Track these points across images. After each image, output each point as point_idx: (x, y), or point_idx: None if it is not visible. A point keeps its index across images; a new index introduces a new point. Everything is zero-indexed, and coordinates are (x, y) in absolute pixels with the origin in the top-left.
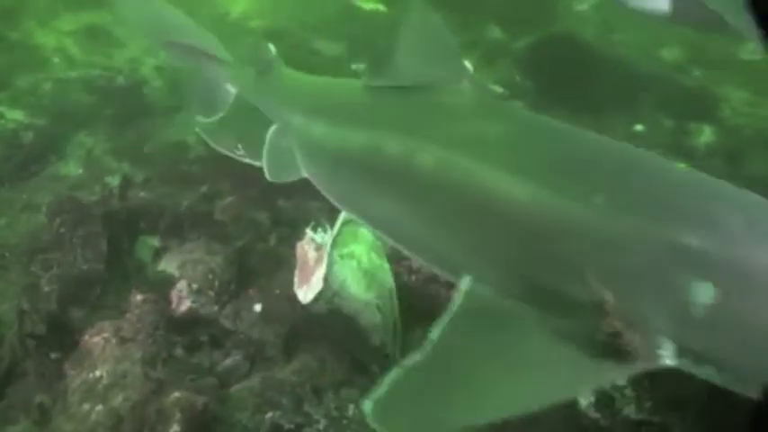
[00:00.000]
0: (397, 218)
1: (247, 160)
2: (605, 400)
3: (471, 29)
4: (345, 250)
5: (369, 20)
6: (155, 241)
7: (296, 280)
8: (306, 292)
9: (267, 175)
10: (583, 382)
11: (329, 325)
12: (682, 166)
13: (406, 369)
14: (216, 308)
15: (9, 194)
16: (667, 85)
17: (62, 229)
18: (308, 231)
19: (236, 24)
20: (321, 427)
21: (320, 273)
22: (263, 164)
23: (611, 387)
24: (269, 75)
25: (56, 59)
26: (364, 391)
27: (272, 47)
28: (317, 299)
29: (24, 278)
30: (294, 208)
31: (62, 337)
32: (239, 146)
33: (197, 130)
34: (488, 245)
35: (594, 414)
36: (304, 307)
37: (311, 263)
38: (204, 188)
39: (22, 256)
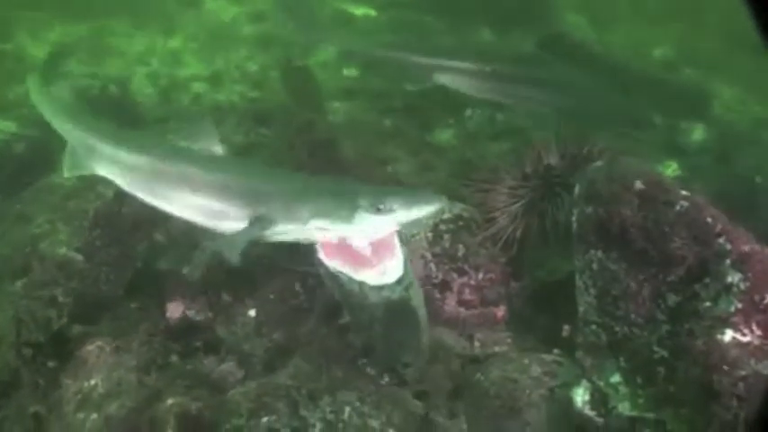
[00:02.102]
0: None
1: None
2: (600, 397)
3: (461, 31)
4: None
5: (360, 25)
6: (149, 248)
7: (337, 261)
8: (385, 273)
9: None
10: None
11: (401, 312)
12: None
13: None
14: (210, 314)
15: (2, 205)
16: (659, 83)
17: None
18: None
19: (228, 32)
20: (317, 430)
21: (398, 255)
22: None
23: (605, 384)
24: None
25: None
26: (360, 394)
27: None
28: (397, 283)
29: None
30: None
31: (59, 347)
32: None
33: None
34: None
35: (589, 412)
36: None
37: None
38: None
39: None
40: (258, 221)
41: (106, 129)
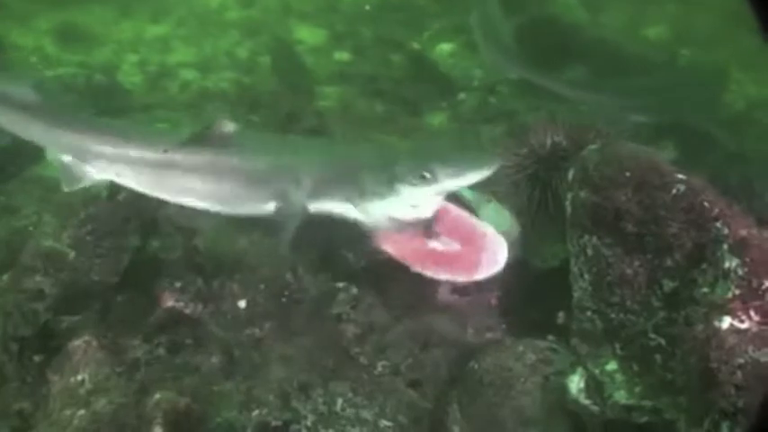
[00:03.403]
0: None
1: None
2: (595, 386)
3: (454, 14)
4: None
5: (351, 9)
6: (137, 240)
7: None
8: (491, 265)
9: None
10: None
11: None
12: None
13: None
14: (200, 306)
15: None
16: (654, 64)
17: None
18: None
19: (216, 17)
20: (309, 422)
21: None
22: None
23: (600, 372)
24: None
25: (33, 59)
26: (353, 384)
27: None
28: None
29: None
30: None
31: (46, 341)
32: None
33: None
34: None
35: (585, 400)
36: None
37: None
38: None
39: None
40: (285, 205)
41: (99, 128)
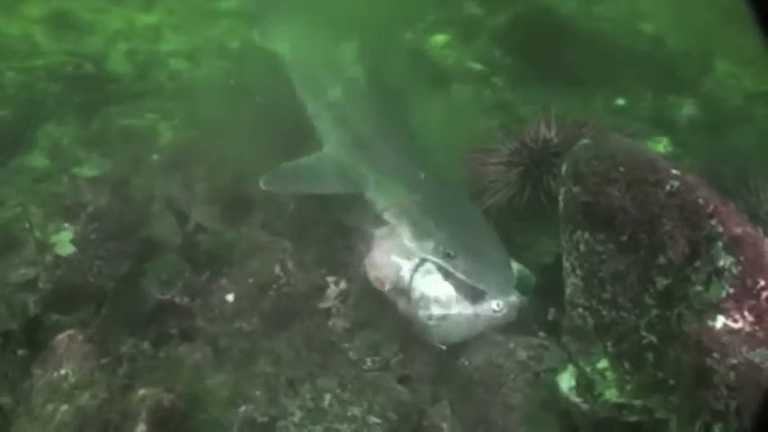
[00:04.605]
0: None
1: None
2: (586, 383)
3: (448, 5)
4: None
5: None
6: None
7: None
8: None
9: None
10: None
11: None
12: None
13: None
14: (187, 299)
15: None
16: (648, 57)
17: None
18: None
19: (208, 6)
20: (296, 419)
21: None
22: None
23: (591, 370)
24: None
25: (21, 47)
26: (341, 380)
27: None
28: None
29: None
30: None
31: (31, 335)
32: None
33: None
34: None
35: (576, 398)
36: None
37: None
38: (178, 175)
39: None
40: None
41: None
